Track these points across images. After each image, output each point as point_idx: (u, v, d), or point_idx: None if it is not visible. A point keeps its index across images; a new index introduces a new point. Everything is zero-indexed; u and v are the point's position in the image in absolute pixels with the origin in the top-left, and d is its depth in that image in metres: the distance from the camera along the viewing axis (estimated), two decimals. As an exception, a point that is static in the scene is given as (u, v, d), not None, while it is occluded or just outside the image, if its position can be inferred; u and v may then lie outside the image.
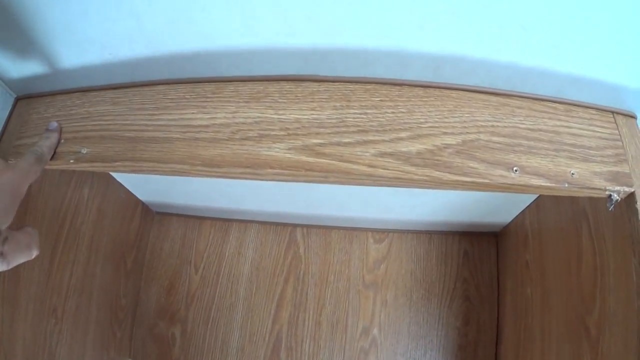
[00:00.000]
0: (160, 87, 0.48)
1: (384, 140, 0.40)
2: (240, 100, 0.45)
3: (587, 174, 0.41)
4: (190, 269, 0.69)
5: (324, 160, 0.40)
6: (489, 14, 0.36)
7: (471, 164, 0.40)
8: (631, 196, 0.41)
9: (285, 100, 0.44)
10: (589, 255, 0.49)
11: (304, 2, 0.36)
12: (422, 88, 0.44)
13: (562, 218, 0.57)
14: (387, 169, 0.39)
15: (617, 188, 0.41)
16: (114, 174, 0.67)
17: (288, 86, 0.45)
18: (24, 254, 0.39)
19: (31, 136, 0.49)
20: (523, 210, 0.66)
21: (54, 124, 0.48)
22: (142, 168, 0.45)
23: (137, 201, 0.71)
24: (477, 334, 0.69)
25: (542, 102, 0.44)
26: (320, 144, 0.41)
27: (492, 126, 0.42)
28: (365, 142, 0.40)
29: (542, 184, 0.40)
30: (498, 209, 0.66)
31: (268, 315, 0.66)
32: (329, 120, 0.42)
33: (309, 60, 0.43)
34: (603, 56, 0.39)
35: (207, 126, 0.44)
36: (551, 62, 0.41)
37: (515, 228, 0.69)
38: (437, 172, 0.39)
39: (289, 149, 0.41)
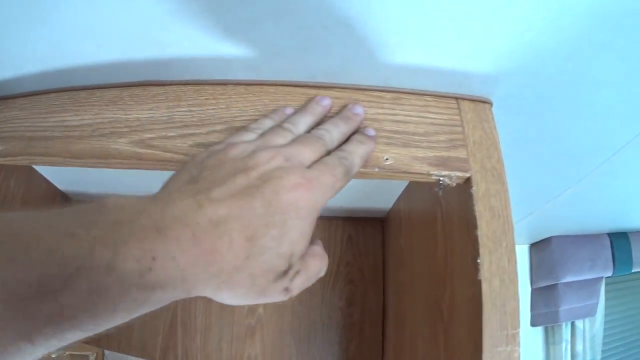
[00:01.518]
0: (52, 95, 0.60)
1: (201, 133, 0.49)
2: (102, 104, 0.56)
3: (406, 159, 0.44)
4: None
5: (152, 151, 0.49)
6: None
7: (279, 150, 0.48)
8: (468, 181, 0.43)
9: (132, 103, 0.54)
10: (441, 239, 0.52)
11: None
12: (244, 86, 0.51)
13: (424, 203, 0.61)
14: (200, 157, 0.49)
15: (445, 173, 0.43)
16: (35, 167, 0.80)
17: (137, 91, 0.55)
18: (309, 283, 0.33)
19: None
20: (399, 197, 0.72)
21: (372, 131, 0.41)
22: (35, 161, 0.56)
23: (56, 191, 0.84)
24: (362, 315, 0.77)
25: (366, 92, 0.48)
26: (151, 138, 0.51)
27: (308, 116, 0.47)
28: (185, 135, 0.50)
29: (350, 168, 0.43)
30: (378, 195, 0.73)
31: (168, 293, 0.78)
32: (161, 118, 0.52)
33: (151, 68, 0.54)
34: (432, 43, 0.41)
35: (77, 126, 0.55)
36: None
37: (394, 214, 0.76)
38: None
39: (129, 142, 0.51)
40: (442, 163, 0.44)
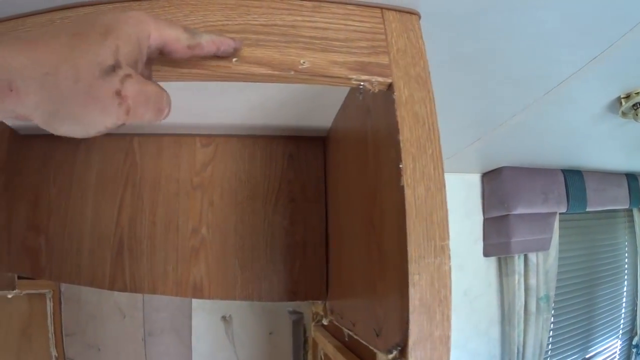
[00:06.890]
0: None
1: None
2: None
3: (324, 63, 0.46)
4: (49, 183, 0.83)
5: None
6: None
7: (193, 58, 0.47)
8: (390, 87, 0.46)
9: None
10: (371, 150, 0.55)
11: None
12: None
13: (356, 117, 0.64)
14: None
15: (365, 77, 0.46)
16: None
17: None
18: (149, 109, 0.35)
19: None
20: (337, 114, 0.76)
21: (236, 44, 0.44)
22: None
23: (5, 126, 0.84)
24: (304, 233, 0.83)
25: (285, 1, 0.49)
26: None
27: (222, 25, 0.48)
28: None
29: (264, 72, 0.45)
30: (318, 112, 0.77)
31: (112, 219, 0.81)
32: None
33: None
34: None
35: None
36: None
37: (333, 132, 0.81)
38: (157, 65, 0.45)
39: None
40: (362, 68, 0.46)
